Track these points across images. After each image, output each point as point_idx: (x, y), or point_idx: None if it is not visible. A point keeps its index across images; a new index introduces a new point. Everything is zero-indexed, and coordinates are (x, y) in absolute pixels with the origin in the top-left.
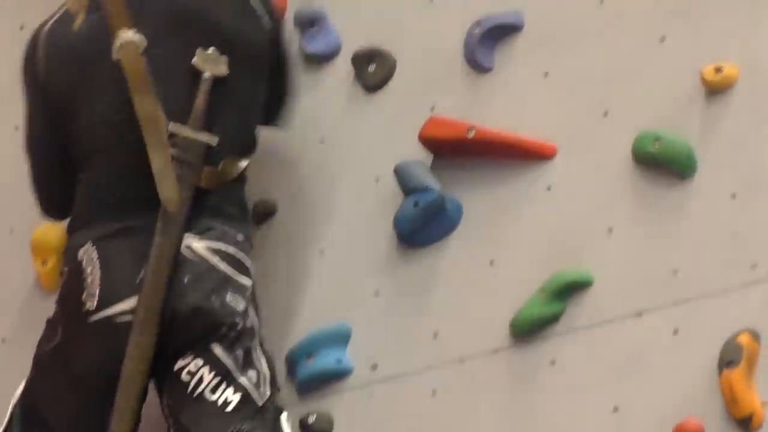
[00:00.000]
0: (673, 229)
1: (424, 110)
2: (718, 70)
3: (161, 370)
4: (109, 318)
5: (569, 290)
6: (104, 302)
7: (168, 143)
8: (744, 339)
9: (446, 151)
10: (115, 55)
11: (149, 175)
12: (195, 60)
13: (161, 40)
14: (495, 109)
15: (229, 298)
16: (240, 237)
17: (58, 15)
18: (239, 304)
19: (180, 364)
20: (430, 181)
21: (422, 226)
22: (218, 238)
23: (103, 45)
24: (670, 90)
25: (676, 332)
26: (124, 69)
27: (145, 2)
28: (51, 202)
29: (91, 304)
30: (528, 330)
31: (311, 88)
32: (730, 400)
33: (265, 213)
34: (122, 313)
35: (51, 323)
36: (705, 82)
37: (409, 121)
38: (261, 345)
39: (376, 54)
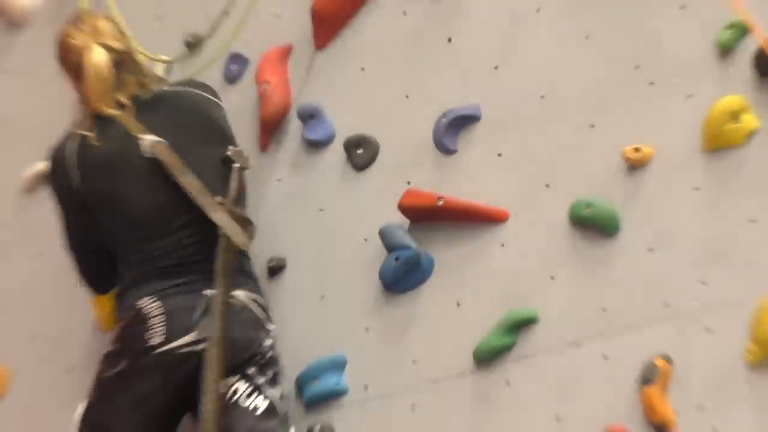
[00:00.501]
0: (602, 276)
1: (402, 184)
2: (636, 150)
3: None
4: (172, 350)
5: (519, 325)
6: (168, 339)
7: (219, 206)
8: (659, 362)
9: (420, 216)
10: (149, 154)
11: (195, 244)
12: (229, 153)
13: (176, 139)
14: (459, 183)
15: (262, 335)
16: (262, 291)
17: (77, 138)
18: (267, 341)
19: (236, 387)
20: (408, 240)
21: (402, 276)
22: (252, 290)
23: (129, 151)
24: (599, 166)
25: (605, 357)
26: (163, 161)
27: (152, 115)
28: (97, 283)
29: (156, 340)
30: (487, 357)
31: (312, 169)
32: (649, 411)
33: (278, 267)
34: (181, 346)
35: (111, 356)
36: (627, 159)
37: (390, 193)
38: (281, 374)
39: (363, 140)
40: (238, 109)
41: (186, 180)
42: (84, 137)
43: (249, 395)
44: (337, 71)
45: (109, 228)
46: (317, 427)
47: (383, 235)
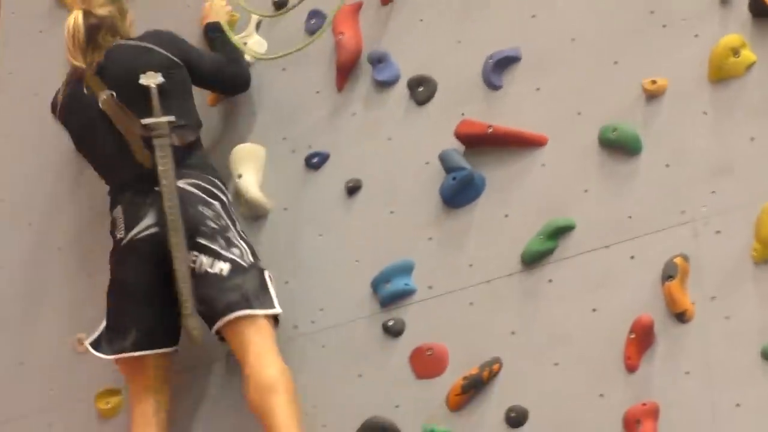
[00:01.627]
0: (627, 189)
1: (457, 116)
2: (653, 82)
3: (173, 269)
4: (131, 239)
5: (559, 232)
6: (127, 230)
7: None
8: (678, 260)
9: (473, 142)
10: (101, 106)
11: (134, 163)
12: (141, 80)
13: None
14: (504, 113)
15: (202, 209)
16: (206, 175)
17: (62, 88)
18: (208, 212)
19: (192, 257)
20: (463, 163)
21: (458, 193)
22: (192, 178)
23: (89, 104)
24: (622, 96)
25: (632, 257)
26: (109, 113)
27: (105, 73)
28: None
29: (119, 235)
30: (532, 260)
31: (380, 105)
32: (670, 302)
33: (355, 188)
34: (137, 233)
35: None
36: (645, 90)
37: (447, 123)
38: (239, 234)
39: (423, 80)
40: (318, 57)
41: (126, 126)
42: (65, 87)
43: (212, 264)
44: (400, 22)
45: (88, 160)
46: (390, 322)
47: (442, 158)
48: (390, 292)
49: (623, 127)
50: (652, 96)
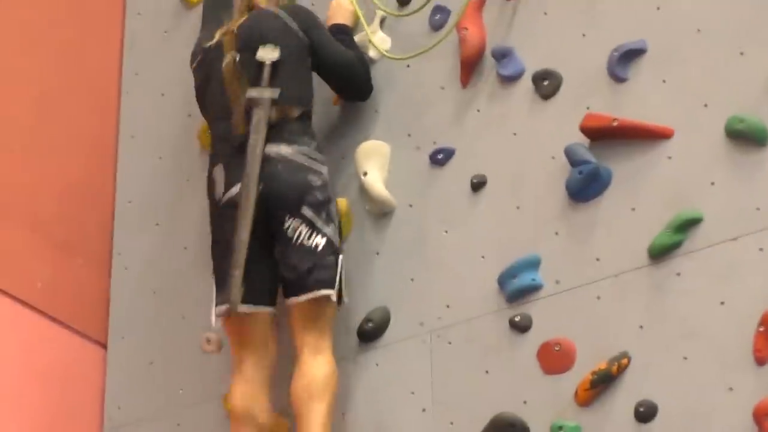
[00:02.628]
0: (755, 180)
1: (582, 109)
2: None
3: (274, 231)
4: (228, 200)
5: (687, 225)
6: (224, 191)
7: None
8: None
9: (598, 136)
10: (223, 66)
11: (234, 128)
12: (258, 54)
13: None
14: (630, 106)
15: (311, 177)
16: (312, 147)
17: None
18: (317, 182)
19: (286, 224)
20: (589, 156)
21: (585, 187)
22: (301, 145)
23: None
24: (749, 86)
25: (761, 249)
26: (225, 74)
27: (242, 36)
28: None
29: (218, 195)
30: (660, 253)
31: (505, 100)
32: None
33: (480, 183)
34: (234, 196)
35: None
36: None
37: (572, 117)
38: (336, 214)
39: (548, 74)
40: (442, 52)
41: (234, 91)
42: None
43: (310, 236)
44: (523, 17)
45: (203, 114)
46: (517, 318)
47: (568, 152)
48: (517, 288)
49: (750, 119)
50: None
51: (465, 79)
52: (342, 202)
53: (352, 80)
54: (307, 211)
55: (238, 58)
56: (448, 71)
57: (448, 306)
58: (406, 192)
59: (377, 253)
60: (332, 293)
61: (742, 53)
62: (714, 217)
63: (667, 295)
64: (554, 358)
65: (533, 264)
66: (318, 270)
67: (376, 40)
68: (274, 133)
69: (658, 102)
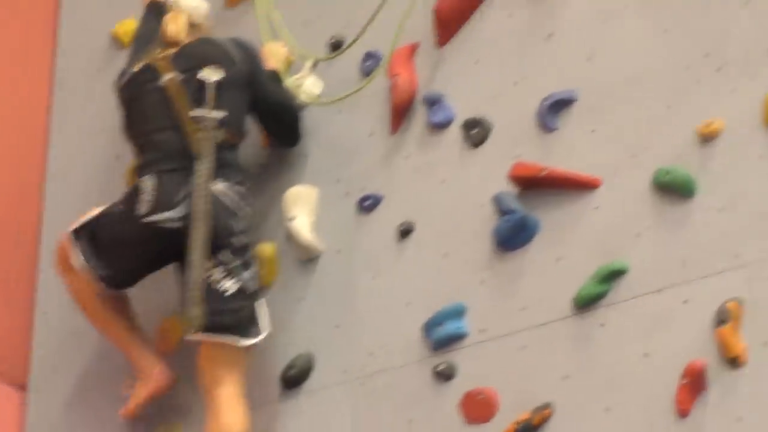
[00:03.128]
0: (681, 233)
1: (511, 158)
2: (708, 124)
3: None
4: (154, 222)
5: (612, 276)
6: (153, 211)
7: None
8: (732, 305)
9: (527, 185)
10: (164, 83)
11: (186, 140)
12: (202, 74)
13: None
14: (559, 156)
15: (235, 222)
16: (244, 186)
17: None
18: (240, 227)
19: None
20: (517, 206)
21: (512, 236)
22: (233, 182)
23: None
24: (677, 138)
25: (685, 302)
26: (169, 91)
27: (179, 60)
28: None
29: (143, 209)
30: (585, 303)
31: (434, 147)
32: (723, 347)
33: (407, 230)
34: (162, 220)
35: (113, 208)
36: (700, 133)
37: (501, 166)
38: (253, 258)
39: (478, 122)
40: (372, 99)
41: (180, 108)
42: (138, 66)
43: (221, 279)
44: (455, 64)
45: (129, 132)
46: (441, 367)
47: (496, 201)
48: (442, 336)
49: (677, 170)
50: (707, 139)
51: (395, 125)
52: (268, 247)
53: (288, 123)
54: (225, 256)
55: (181, 78)
56: (378, 118)
57: (371, 354)
58: (333, 238)
59: (302, 299)
60: (233, 341)
61: (669, 106)
62: (639, 269)
63: (592, 345)
64: (477, 408)
65: (459, 312)
66: (223, 315)
67: (308, 85)
68: (216, 160)
69: (587, 152)
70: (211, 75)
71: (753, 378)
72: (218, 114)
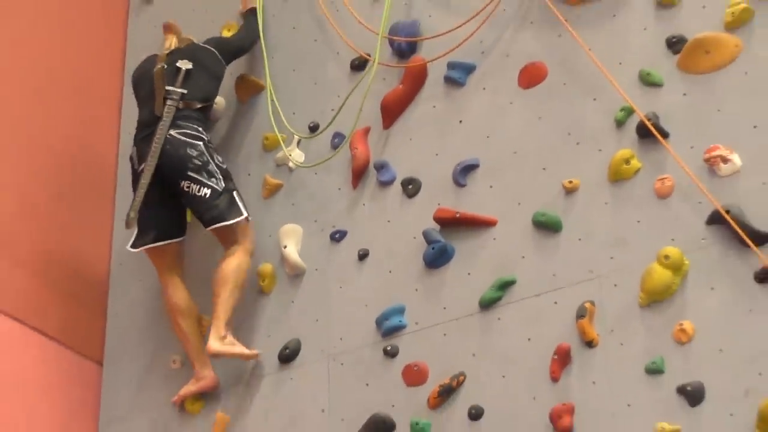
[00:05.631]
0: (552, 256)
1: (435, 205)
2: (570, 182)
3: (174, 190)
4: (143, 169)
5: (505, 285)
6: (140, 164)
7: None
8: (588, 305)
9: (446, 223)
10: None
11: (153, 112)
12: (178, 63)
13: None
14: (468, 203)
15: (190, 150)
16: (194, 129)
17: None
18: (194, 152)
19: (182, 184)
20: (439, 237)
21: (436, 258)
22: (186, 130)
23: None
24: (549, 191)
25: (556, 303)
26: (154, 76)
27: (173, 56)
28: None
29: (137, 166)
30: (487, 304)
31: (382, 198)
32: (582, 333)
33: (364, 254)
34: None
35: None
36: (564, 187)
37: (429, 210)
38: (217, 166)
39: (412, 180)
40: (339, 165)
41: (159, 87)
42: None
43: (198, 189)
44: (396, 141)
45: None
46: (389, 347)
47: (425, 234)
48: (389, 327)
49: (549, 213)
50: (570, 192)
51: (355, 183)
52: (268, 266)
53: (245, 46)
54: (191, 174)
55: (165, 67)
56: (344, 177)
57: (341, 339)
58: (313, 260)
59: (292, 302)
60: (226, 223)
61: (544, 169)
62: (523, 280)
63: (492, 333)
64: (414, 376)
65: (400, 310)
66: (210, 210)
67: (295, 154)
68: (174, 119)
69: (487, 201)
70: (183, 65)
71: (602, 354)
72: (183, 90)
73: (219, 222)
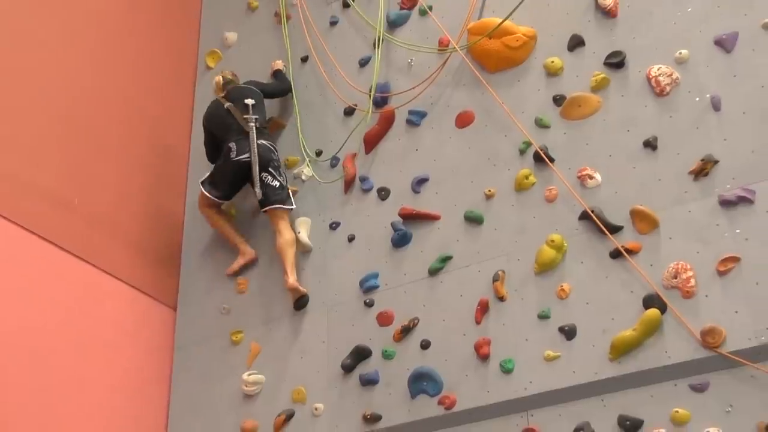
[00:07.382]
0: (477, 240)
1: (399, 205)
2: (490, 190)
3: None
4: (239, 159)
5: (446, 259)
6: (238, 155)
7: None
8: (500, 272)
9: (407, 218)
10: (227, 107)
11: (241, 130)
12: (246, 101)
13: (235, 103)
14: (422, 203)
15: (271, 155)
16: (272, 141)
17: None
18: (274, 157)
19: (262, 175)
20: (402, 227)
21: (400, 241)
22: (267, 140)
23: (222, 107)
24: (474, 197)
25: (479, 271)
26: (231, 110)
27: (234, 94)
28: (212, 157)
29: (233, 156)
30: (434, 271)
31: (363, 200)
32: (496, 291)
33: (352, 238)
34: (242, 157)
35: (221, 159)
36: (486, 194)
37: (395, 208)
38: (283, 169)
39: (385, 189)
40: (335, 177)
41: (239, 116)
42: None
43: (272, 180)
44: (374, 163)
45: (213, 134)
46: (368, 300)
47: (393, 225)
48: (368, 287)
49: (475, 212)
50: (489, 197)
51: (346, 190)
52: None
53: (278, 92)
54: (271, 170)
55: (234, 105)
56: (338, 186)
57: (335, 294)
58: (317, 241)
59: (303, 269)
60: (284, 207)
61: (471, 182)
62: (458, 255)
63: (437, 291)
64: (384, 319)
65: (375, 276)
66: (276, 196)
67: (306, 171)
68: (257, 133)
69: (434, 203)
70: (250, 101)
71: (510, 307)
72: (256, 117)
73: (281, 205)
